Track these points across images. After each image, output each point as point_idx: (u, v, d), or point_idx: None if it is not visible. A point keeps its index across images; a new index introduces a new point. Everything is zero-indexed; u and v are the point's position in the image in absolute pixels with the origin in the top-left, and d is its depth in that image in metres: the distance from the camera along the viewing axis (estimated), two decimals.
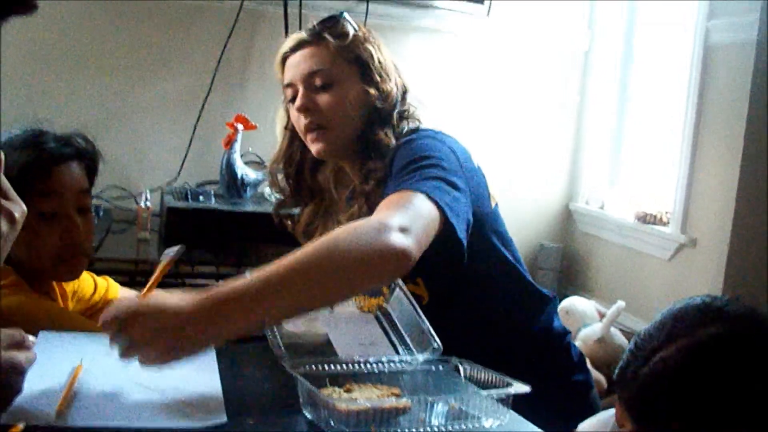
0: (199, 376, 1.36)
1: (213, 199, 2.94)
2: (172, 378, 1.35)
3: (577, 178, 4.17)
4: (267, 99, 3.58)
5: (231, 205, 2.90)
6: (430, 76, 3.79)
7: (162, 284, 2.78)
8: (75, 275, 1.79)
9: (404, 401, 1.25)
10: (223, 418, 1.22)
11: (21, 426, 1.13)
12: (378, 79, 1.74)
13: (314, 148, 1.76)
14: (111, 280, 2.06)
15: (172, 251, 1.36)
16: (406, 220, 1.39)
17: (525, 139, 4.09)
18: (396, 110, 1.76)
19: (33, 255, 1.68)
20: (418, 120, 1.80)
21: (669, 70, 3.77)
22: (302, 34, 1.78)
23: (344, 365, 1.39)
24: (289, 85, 1.78)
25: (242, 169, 3.03)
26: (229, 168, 3.01)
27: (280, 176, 1.90)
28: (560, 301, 3.47)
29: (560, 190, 4.18)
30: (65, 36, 3.37)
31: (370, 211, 1.54)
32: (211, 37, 3.47)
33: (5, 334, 1.15)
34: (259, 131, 3.03)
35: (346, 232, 1.36)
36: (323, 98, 1.73)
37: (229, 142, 3.02)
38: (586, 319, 3.33)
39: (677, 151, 3.50)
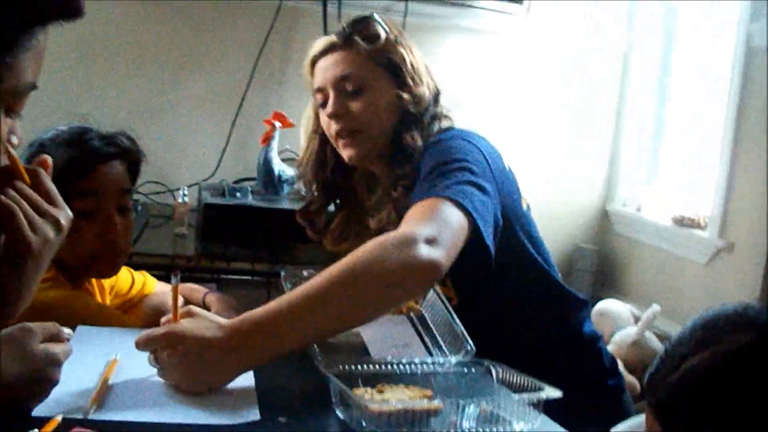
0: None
1: (250, 195, 2.96)
2: None
3: (615, 180, 4.13)
4: (305, 97, 3.60)
5: (268, 202, 2.92)
6: (467, 76, 3.78)
7: (199, 279, 2.81)
8: (111, 273, 1.82)
9: (436, 403, 1.26)
10: (255, 416, 1.24)
11: (59, 418, 1.15)
12: (410, 82, 1.73)
13: (345, 153, 1.75)
14: (148, 275, 2.08)
15: (174, 281, 1.39)
16: (433, 230, 1.39)
17: (562, 139, 4.07)
18: (428, 113, 1.74)
19: (71, 252, 1.70)
20: (451, 121, 1.79)
21: (709, 72, 3.73)
22: (332, 37, 1.76)
23: (377, 366, 1.40)
24: (320, 89, 1.76)
25: (279, 166, 3.05)
26: (267, 165, 3.03)
27: (308, 177, 1.88)
28: (595, 303, 3.45)
29: (597, 191, 4.15)
30: (106, 33, 3.39)
31: (399, 218, 1.53)
32: (250, 34, 3.49)
33: (41, 327, 1.18)
34: (296, 129, 3.01)
35: (372, 248, 1.36)
36: (355, 104, 1.72)
37: (267, 139, 3.04)
38: (621, 322, 3.31)
39: (716, 154, 3.46)
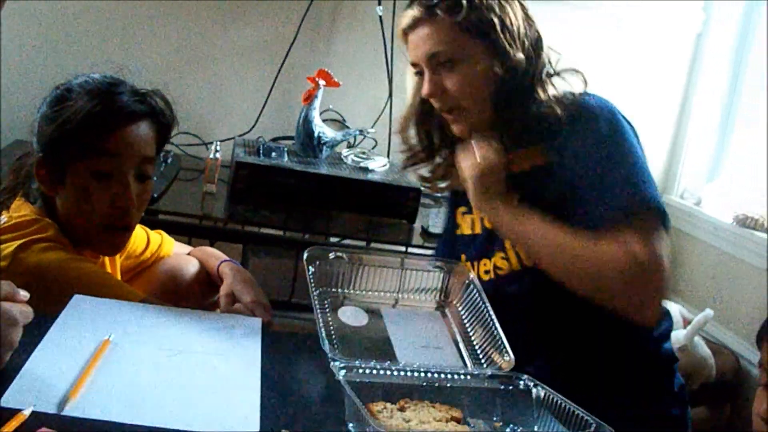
0: (238, 373, 1.22)
1: (286, 156, 2.78)
2: (207, 371, 1.21)
3: (674, 170, 3.89)
4: (353, 56, 3.44)
5: (304, 164, 2.74)
6: None
7: (226, 239, 2.65)
8: (114, 250, 1.66)
9: (464, 430, 1.09)
10: (255, 426, 1.08)
11: (27, 412, 1.00)
12: (506, 47, 1.57)
13: (455, 129, 1.67)
14: (165, 235, 1.93)
15: None
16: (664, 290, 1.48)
17: None
18: (535, 76, 1.60)
19: (79, 215, 1.56)
20: (577, 78, 1.66)
21: None
22: (414, 11, 1.62)
23: (401, 372, 1.23)
24: (414, 64, 1.67)
25: (320, 128, 2.87)
26: (307, 125, 2.85)
27: (410, 134, 1.79)
28: None
29: (654, 180, 3.90)
30: None
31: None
32: None
33: None
34: (341, 89, 2.87)
35: (615, 262, 1.43)
36: (450, 80, 1.61)
37: (309, 98, 2.86)
38: None
39: None
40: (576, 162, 1.52)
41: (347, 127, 3.22)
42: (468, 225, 1.75)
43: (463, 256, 1.72)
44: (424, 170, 1.83)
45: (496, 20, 1.57)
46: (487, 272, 1.65)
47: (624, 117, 1.59)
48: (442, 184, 1.83)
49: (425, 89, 1.63)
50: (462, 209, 1.77)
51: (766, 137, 3.33)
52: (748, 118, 3.70)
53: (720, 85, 3.81)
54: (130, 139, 1.56)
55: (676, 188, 3.86)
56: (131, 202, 1.56)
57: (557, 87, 1.61)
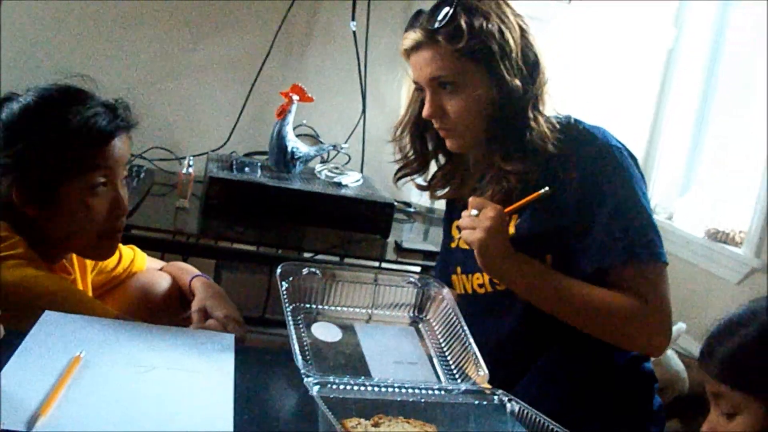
0: (210, 389, 1.21)
1: (259, 171, 2.77)
2: (180, 387, 1.20)
3: (647, 184, 3.91)
4: (326, 71, 3.44)
5: (277, 180, 2.73)
6: None
7: (199, 255, 2.64)
8: (111, 254, 1.69)
9: None
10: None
11: None
12: (504, 74, 1.59)
13: (450, 145, 1.71)
14: (138, 251, 1.92)
15: None
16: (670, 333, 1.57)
17: None
18: (531, 99, 1.62)
19: (77, 228, 1.56)
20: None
21: (759, 77, 3.50)
22: (417, 34, 1.64)
23: (375, 388, 1.22)
24: (416, 83, 1.70)
25: (293, 143, 2.86)
26: (280, 140, 2.84)
27: (404, 142, 1.81)
28: None
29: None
30: None
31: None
32: (274, 2, 3.29)
33: None
34: (315, 104, 2.86)
35: (624, 309, 1.53)
36: (450, 103, 1.64)
37: (282, 113, 2.85)
38: None
39: (760, 166, 3.24)
40: (580, 199, 1.58)
41: (321, 143, 3.22)
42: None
43: (458, 269, 1.75)
44: (420, 179, 1.84)
45: (495, 48, 1.59)
46: (481, 285, 1.68)
47: (624, 147, 1.64)
48: (439, 193, 1.84)
49: (426, 110, 1.66)
50: (457, 223, 1.78)
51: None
52: (720, 132, 3.75)
53: (691, 99, 3.86)
54: (116, 151, 1.58)
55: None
56: (126, 207, 1.62)
57: (554, 109, 1.66)
